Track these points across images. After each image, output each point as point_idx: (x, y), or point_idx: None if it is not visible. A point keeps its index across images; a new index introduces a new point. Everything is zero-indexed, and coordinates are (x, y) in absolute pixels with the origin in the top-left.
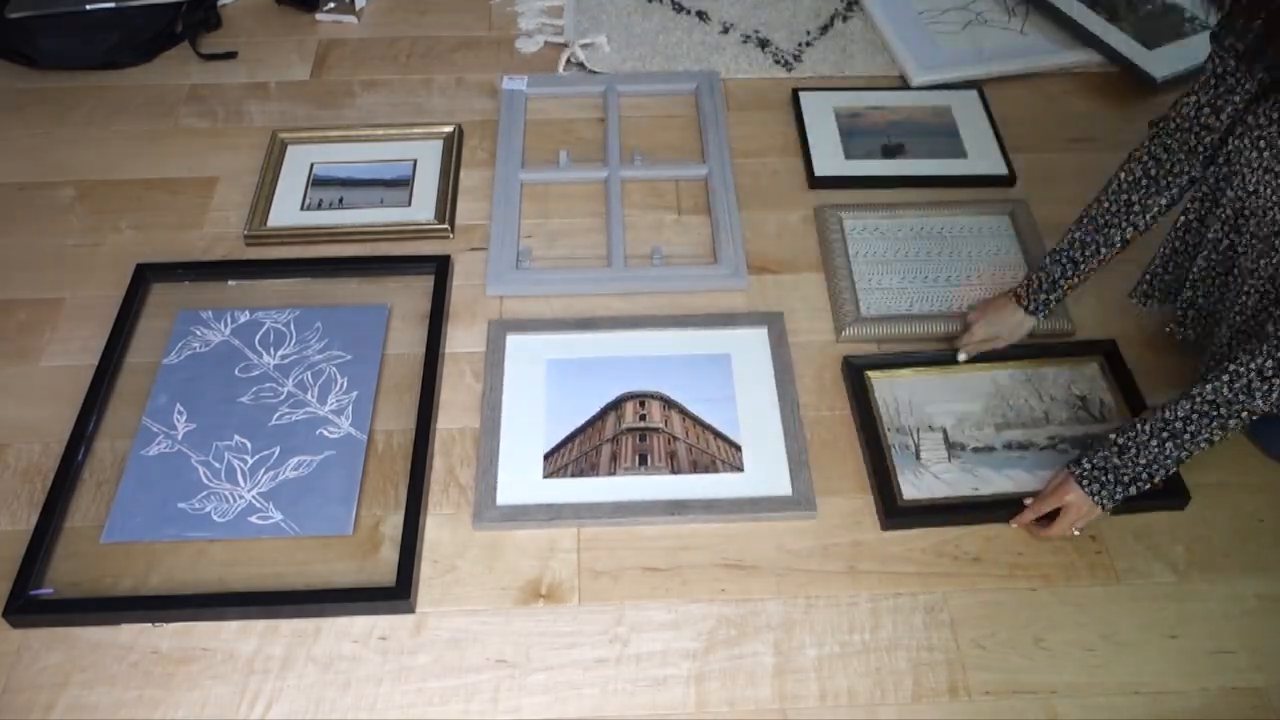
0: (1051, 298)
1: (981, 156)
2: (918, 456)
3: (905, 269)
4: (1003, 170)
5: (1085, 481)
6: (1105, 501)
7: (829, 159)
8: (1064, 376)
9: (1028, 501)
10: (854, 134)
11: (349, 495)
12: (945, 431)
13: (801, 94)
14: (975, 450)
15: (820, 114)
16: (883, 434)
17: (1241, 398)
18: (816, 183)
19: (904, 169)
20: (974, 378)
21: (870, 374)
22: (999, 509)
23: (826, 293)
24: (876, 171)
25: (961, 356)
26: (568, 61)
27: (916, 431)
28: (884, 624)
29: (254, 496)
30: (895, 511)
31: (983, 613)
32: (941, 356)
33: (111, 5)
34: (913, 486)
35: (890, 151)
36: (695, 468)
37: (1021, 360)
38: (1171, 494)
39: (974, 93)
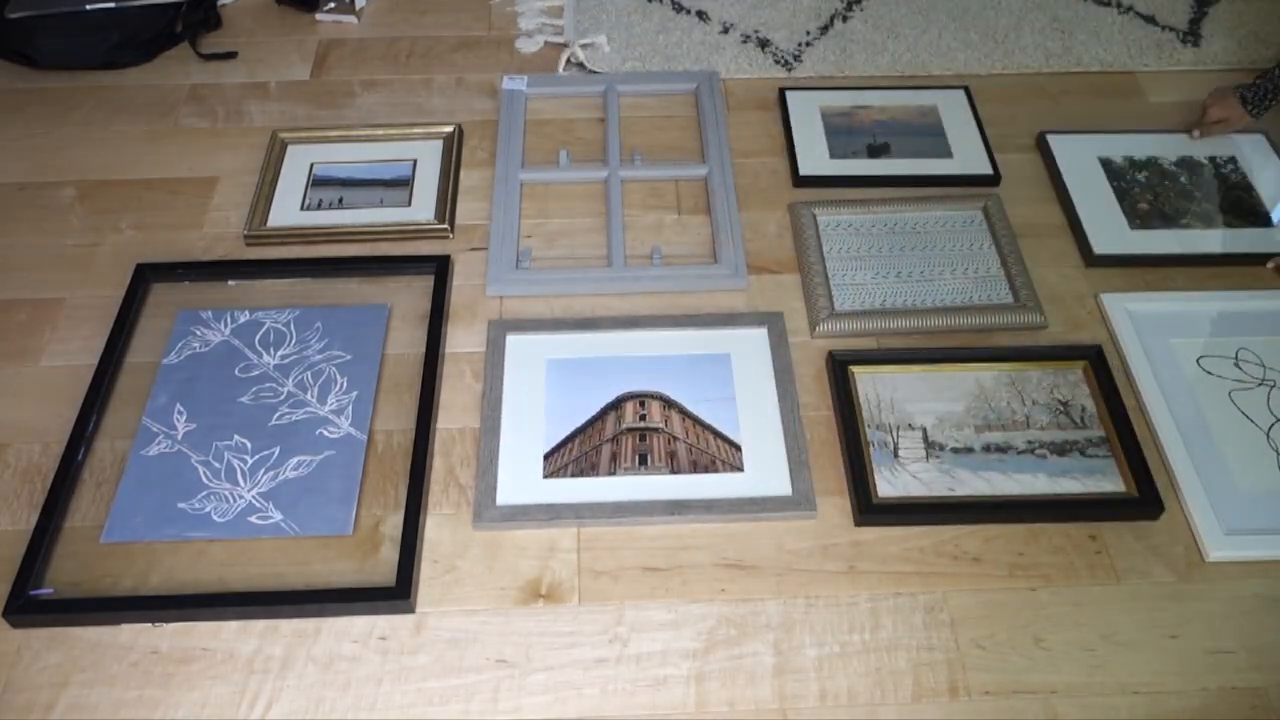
0: (1273, 103)
1: (966, 156)
2: (896, 455)
3: (879, 264)
4: (987, 170)
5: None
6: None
7: (814, 159)
8: (1047, 380)
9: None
10: (840, 133)
11: (349, 495)
12: (925, 431)
13: (789, 94)
14: (954, 451)
15: (806, 114)
16: (862, 430)
17: None
18: (801, 182)
19: (889, 169)
20: (958, 377)
21: (854, 369)
22: (974, 510)
23: (801, 288)
24: (861, 171)
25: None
26: (568, 61)
27: (896, 429)
28: (884, 624)
29: (254, 496)
30: (869, 509)
31: (983, 613)
32: (927, 354)
33: (111, 5)
34: (889, 484)
35: (875, 151)
36: (695, 468)
37: (1006, 362)
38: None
39: (961, 92)
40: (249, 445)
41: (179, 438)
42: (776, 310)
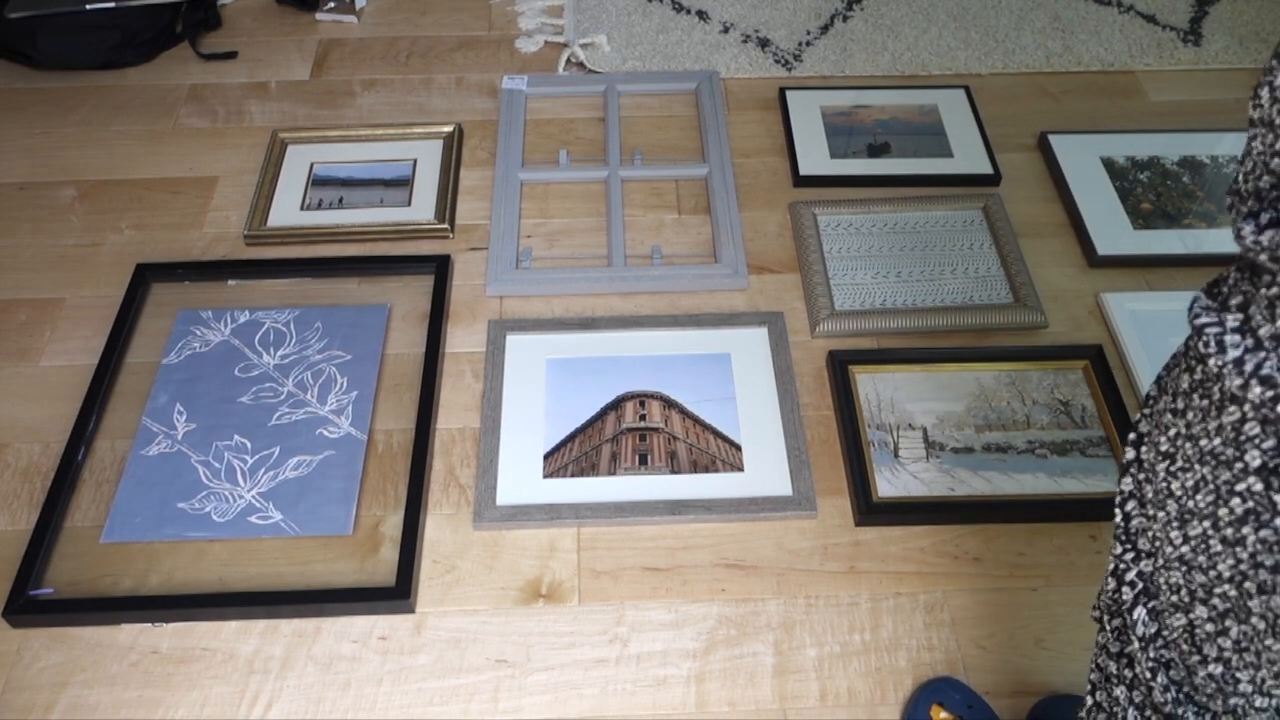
0: None
1: (967, 155)
2: (896, 454)
3: (879, 264)
4: (988, 169)
5: None
6: None
7: (814, 158)
8: (1048, 380)
9: None
10: (840, 133)
11: (349, 495)
12: (925, 430)
13: (789, 93)
14: (954, 451)
15: (807, 113)
16: (862, 430)
17: None
18: (801, 181)
19: (889, 168)
20: (958, 377)
21: (854, 369)
22: (975, 510)
23: (802, 288)
24: (861, 171)
25: None
26: (568, 61)
27: (896, 429)
28: (884, 624)
29: (254, 496)
30: (870, 509)
31: (983, 612)
32: (928, 354)
33: (111, 5)
34: (889, 484)
35: (876, 151)
36: (695, 468)
37: (1007, 361)
38: None
39: (962, 92)
40: (249, 445)
41: (179, 438)
42: (777, 310)
